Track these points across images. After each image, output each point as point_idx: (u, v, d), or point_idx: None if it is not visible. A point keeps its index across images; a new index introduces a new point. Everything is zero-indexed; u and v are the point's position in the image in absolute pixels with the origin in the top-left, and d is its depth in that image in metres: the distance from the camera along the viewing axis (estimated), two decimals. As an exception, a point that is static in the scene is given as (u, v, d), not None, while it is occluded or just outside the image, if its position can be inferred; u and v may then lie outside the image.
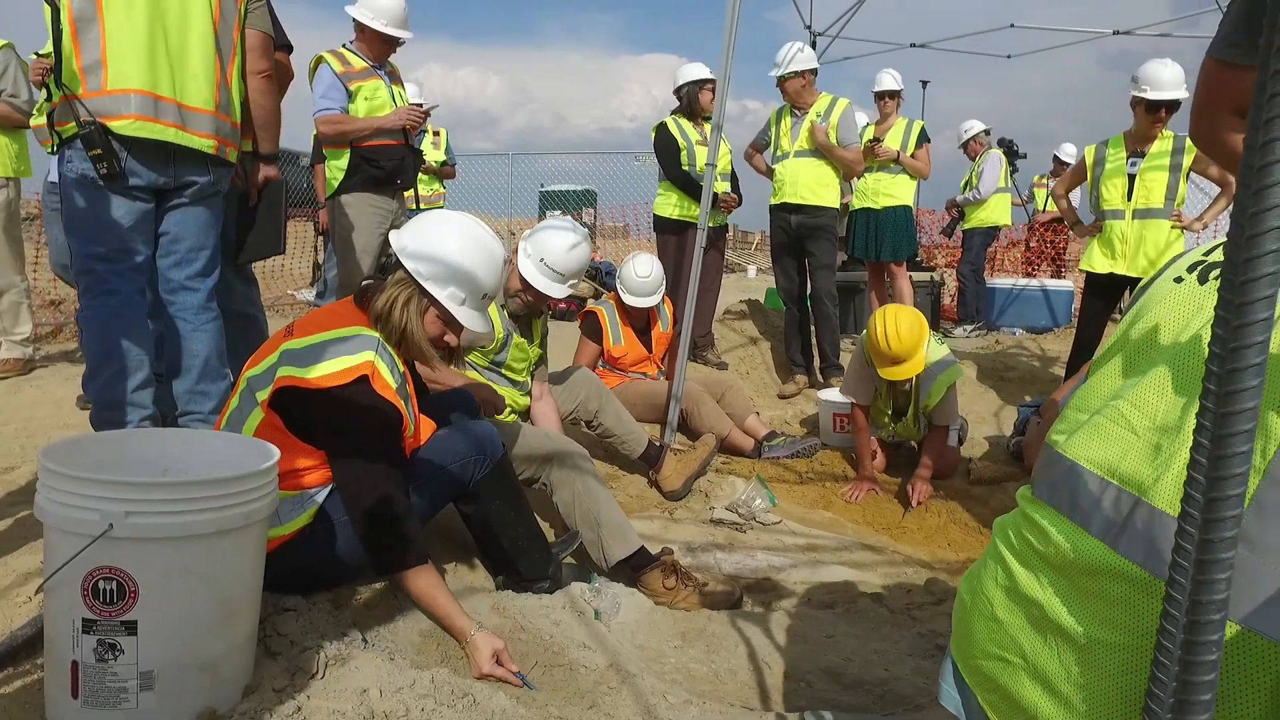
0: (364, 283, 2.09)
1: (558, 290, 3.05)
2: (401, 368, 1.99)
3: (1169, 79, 4.37)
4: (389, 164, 4.18)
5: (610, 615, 2.30)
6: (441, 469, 2.04)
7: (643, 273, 4.71)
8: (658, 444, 3.70)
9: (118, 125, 2.47)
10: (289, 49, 3.21)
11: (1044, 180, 8.46)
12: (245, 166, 2.99)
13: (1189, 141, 4.39)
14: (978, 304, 7.91)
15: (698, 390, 4.28)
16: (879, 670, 2.08)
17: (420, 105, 4.36)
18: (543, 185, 14.98)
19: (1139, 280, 4.60)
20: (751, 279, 16.25)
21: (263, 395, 1.86)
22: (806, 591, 2.68)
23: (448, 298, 2.01)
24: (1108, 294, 4.81)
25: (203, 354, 2.78)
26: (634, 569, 2.62)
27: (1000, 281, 8.35)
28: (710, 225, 4.48)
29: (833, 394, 4.72)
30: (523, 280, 3.02)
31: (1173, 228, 4.51)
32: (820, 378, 5.49)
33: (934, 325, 7.80)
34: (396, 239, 2.04)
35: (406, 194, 4.67)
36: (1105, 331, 4.90)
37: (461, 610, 1.88)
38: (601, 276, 8.80)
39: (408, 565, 1.85)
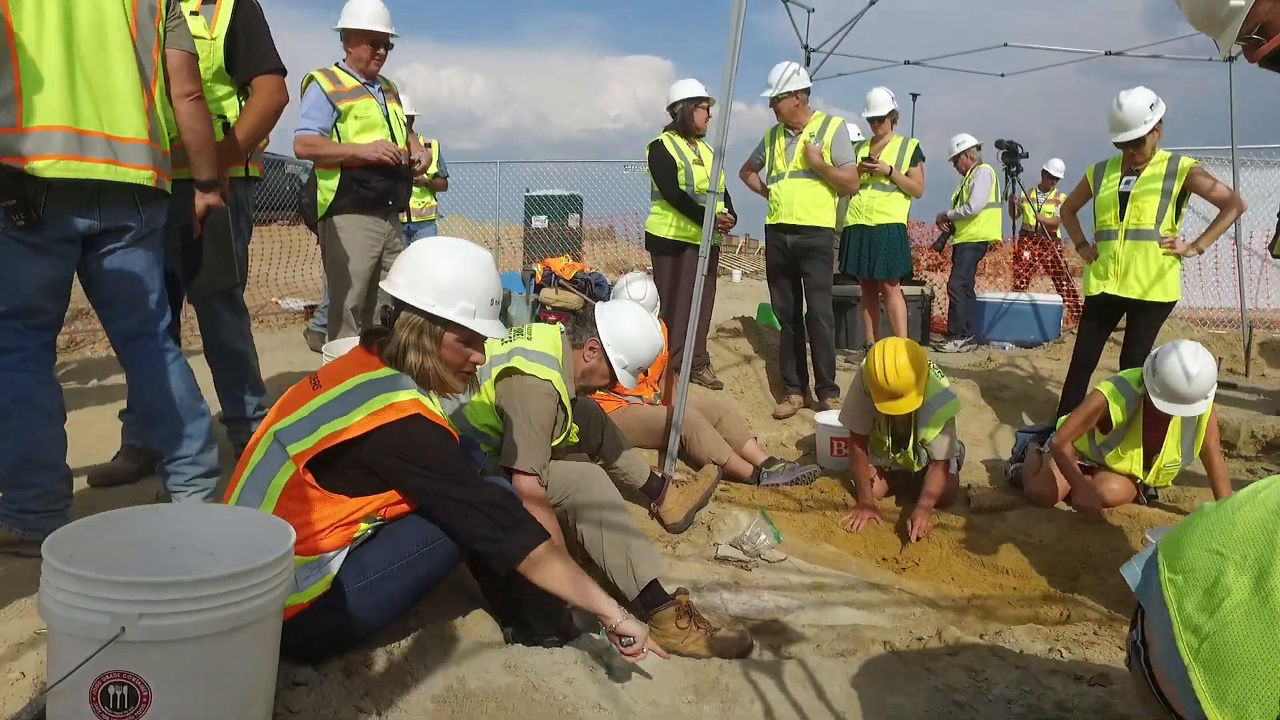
0: (366, 331, 2.06)
1: (634, 380, 3.13)
2: (436, 403, 1.97)
3: (1128, 118, 4.36)
4: (380, 185, 4.11)
5: (624, 670, 2.25)
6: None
7: (636, 294, 4.67)
8: (658, 474, 3.66)
9: (38, 166, 2.19)
10: (282, 72, 3.13)
11: (1034, 195, 8.48)
12: (184, 196, 2.75)
13: (1182, 164, 4.41)
14: (968, 318, 7.93)
15: (697, 417, 4.23)
16: (898, 730, 2.05)
17: (404, 148, 4.24)
18: (528, 190, 14.89)
19: (1132, 301, 4.69)
20: (736, 284, 16.25)
21: (296, 450, 1.82)
22: (816, 636, 2.65)
23: (459, 314, 2.00)
24: (1103, 315, 4.82)
25: (176, 395, 2.64)
26: (647, 605, 2.60)
27: (990, 296, 8.38)
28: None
29: (830, 417, 4.71)
30: (614, 381, 3.05)
31: (1165, 253, 4.50)
32: (816, 398, 5.47)
33: (924, 339, 7.81)
34: (387, 286, 2.03)
35: (407, 205, 4.58)
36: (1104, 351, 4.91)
37: (601, 593, 2.04)
38: (591, 288, 8.74)
39: (535, 543, 1.93)
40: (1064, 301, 8.38)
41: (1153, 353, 3.65)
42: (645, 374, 4.53)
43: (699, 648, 2.55)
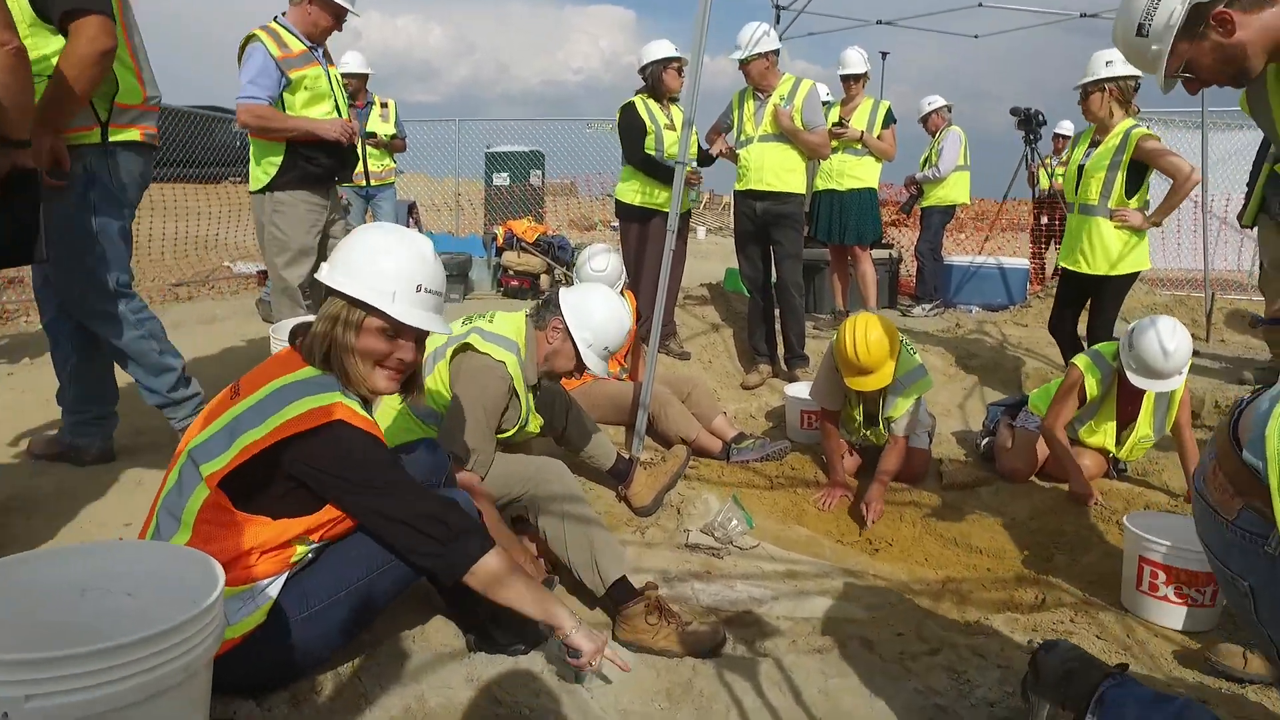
0: (293, 328, 1.88)
1: (605, 366, 2.93)
2: (363, 405, 1.80)
3: (1087, 68, 4.44)
4: (328, 162, 3.87)
5: (592, 677, 2.14)
6: None
7: (598, 267, 4.51)
8: (625, 455, 3.54)
9: None
10: (104, 13, 2.72)
11: (1048, 160, 8.31)
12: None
13: (1132, 134, 4.35)
14: (935, 282, 7.87)
15: (664, 393, 4.11)
16: (879, 738, 1.97)
17: (355, 123, 3.99)
18: (489, 146, 14.49)
19: (1083, 275, 4.67)
20: (701, 240, 16.08)
21: (210, 469, 1.64)
22: (791, 630, 2.57)
23: (376, 296, 1.79)
24: (1066, 288, 4.84)
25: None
26: (616, 601, 2.50)
27: (957, 260, 8.33)
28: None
29: (800, 389, 4.62)
30: (581, 366, 2.86)
31: (1116, 227, 4.47)
32: (785, 368, 5.38)
33: (891, 303, 7.76)
34: (324, 275, 1.84)
35: (355, 174, 4.34)
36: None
37: (553, 602, 1.94)
38: (554, 251, 8.54)
39: (480, 554, 1.80)
40: (1030, 265, 8.37)
41: (1130, 327, 3.60)
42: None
43: (670, 644, 2.46)
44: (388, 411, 2.69)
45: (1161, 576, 2.65)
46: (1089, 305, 4.79)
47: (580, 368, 2.85)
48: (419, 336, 1.90)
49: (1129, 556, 2.78)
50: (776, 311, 5.43)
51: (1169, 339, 3.41)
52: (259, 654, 1.64)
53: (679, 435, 4.04)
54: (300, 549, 1.72)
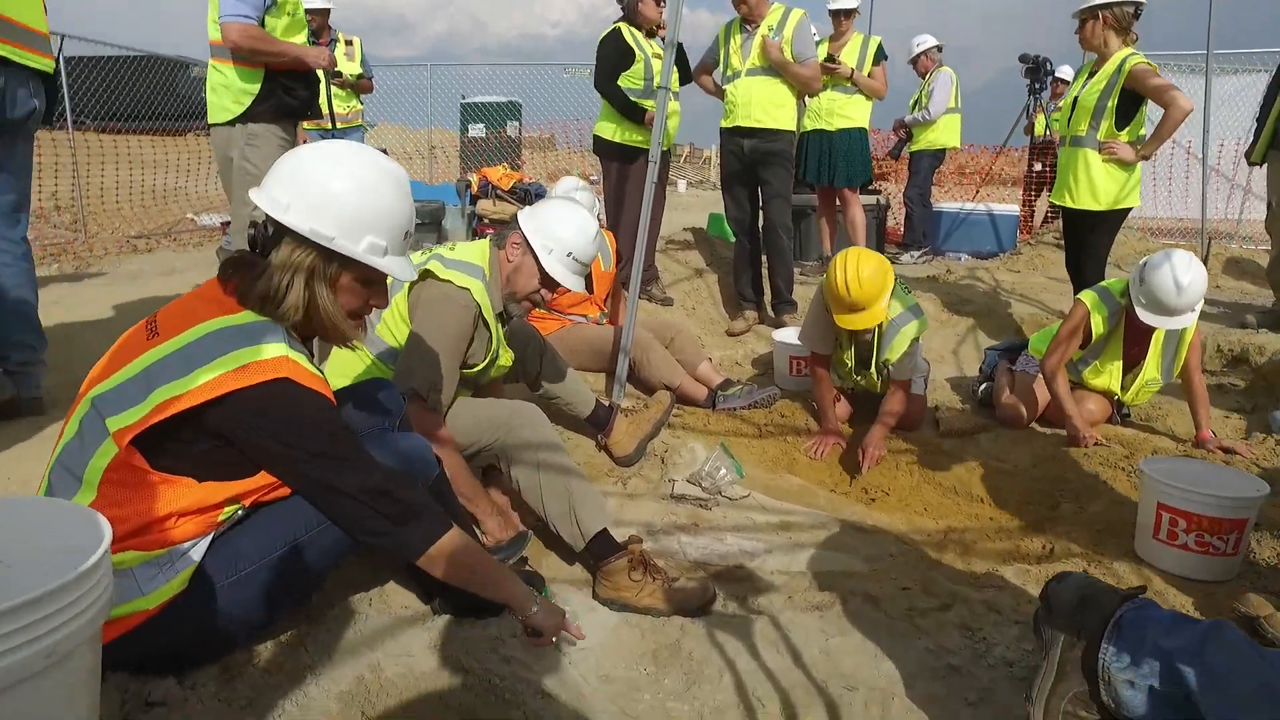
0: (226, 261, 1.59)
1: (581, 282, 2.59)
2: (316, 366, 1.55)
3: None
4: (304, 95, 3.59)
5: (569, 638, 1.93)
6: None
7: (564, 190, 4.27)
8: (605, 403, 3.31)
9: None
10: None
11: (1046, 105, 8.03)
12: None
13: (1126, 64, 4.12)
14: (924, 229, 7.65)
15: (647, 338, 3.88)
16: (890, 702, 1.78)
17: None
18: (464, 97, 14.03)
19: (1070, 210, 4.52)
20: (682, 194, 15.75)
21: (119, 424, 1.38)
22: (786, 585, 2.37)
23: (368, 251, 1.56)
24: (1063, 223, 4.71)
25: None
26: (596, 557, 2.29)
27: (947, 206, 8.10)
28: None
29: (788, 335, 4.41)
30: (548, 280, 2.52)
31: (1105, 160, 4.28)
32: (772, 314, 5.15)
33: (878, 250, 7.52)
34: (266, 202, 1.53)
35: (323, 114, 4.04)
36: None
37: (511, 582, 1.77)
38: (531, 198, 8.22)
39: (435, 536, 1.57)
40: (1020, 211, 8.16)
41: (1142, 261, 3.40)
42: (591, 293, 4.14)
43: (656, 601, 2.26)
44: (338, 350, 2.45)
45: (1181, 524, 2.47)
46: (1079, 244, 4.63)
47: (548, 283, 2.53)
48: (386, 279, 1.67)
49: (1145, 503, 2.60)
50: (763, 256, 5.19)
51: (1184, 273, 3.21)
52: (181, 626, 1.40)
53: (662, 382, 3.82)
54: (229, 509, 1.48)
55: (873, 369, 3.64)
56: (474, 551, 1.67)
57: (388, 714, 1.55)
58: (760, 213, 5.09)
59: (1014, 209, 8.10)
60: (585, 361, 3.99)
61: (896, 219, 8.71)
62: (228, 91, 3.48)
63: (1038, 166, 8.64)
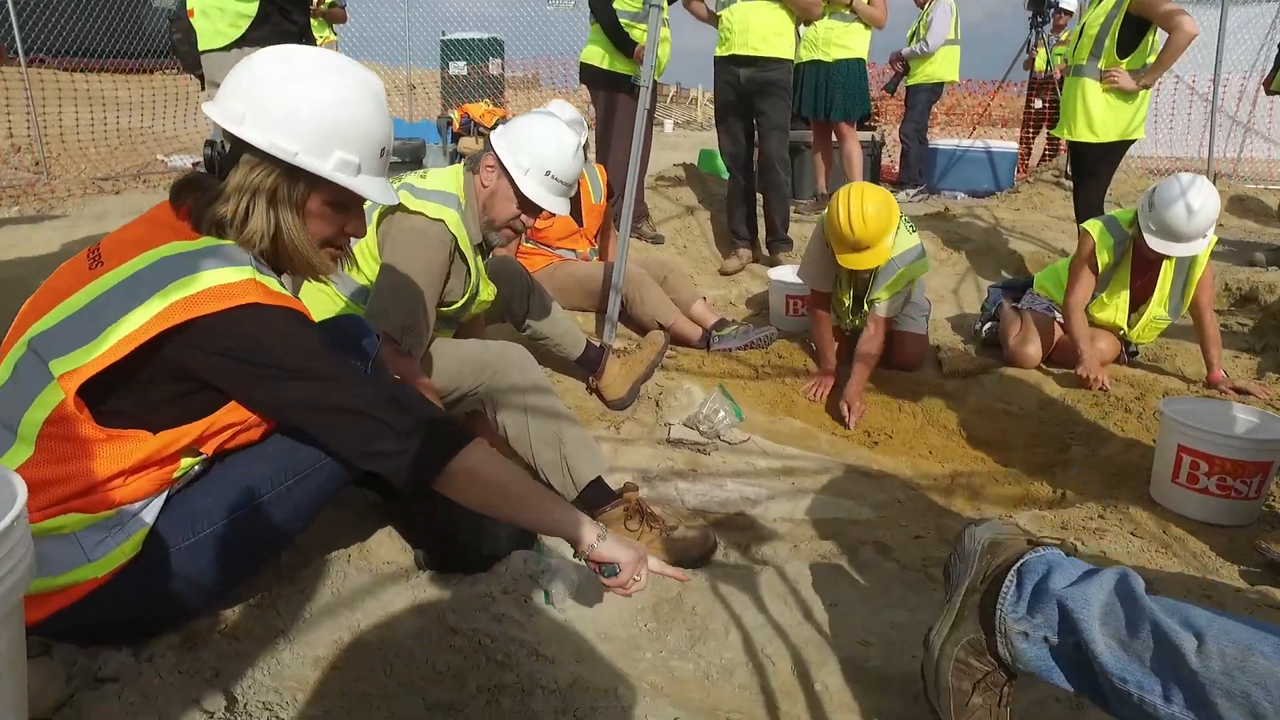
0: (178, 182, 1.39)
1: (565, 204, 2.33)
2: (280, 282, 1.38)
3: None
4: (301, 20, 3.37)
5: (563, 594, 1.81)
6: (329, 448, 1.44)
7: (549, 110, 4.03)
8: (596, 343, 3.15)
9: None
10: None
11: (1047, 38, 7.74)
12: None
13: None
14: (920, 166, 7.44)
15: (639, 274, 3.71)
16: (905, 658, 1.67)
17: None
18: (444, 33, 13.54)
19: (1071, 143, 4.36)
20: (669, 134, 15.38)
21: (66, 367, 1.20)
22: (791, 533, 2.25)
23: (337, 168, 1.37)
24: (1072, 160, 4.56)
25: None
26: (589, 506, 2.16)
27: (943, 143, 7.87)
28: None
29: (785, 273, 4.25)
30: (526, 204, 2.26)
31: (1105, 90, 4.12)
32: (767, 252, 4.98)
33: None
34: (221, 116, 1.33)
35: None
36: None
37: (561, 505, 1.52)
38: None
39: (454, 447, 1.38)
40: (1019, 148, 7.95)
41: (1152, 187, 3.25)
42: (581, 225, 3.95)
43: (653, 552, 2.14)
44: (308, 287, 2.26)
45: (1203, 467, 2.36)
46: (1077, 178, 4.50)
47: (527, 207, 2.27)
48: (363, 204, 1.48)
49: (1164, 446, 2.49)
50: (758, 192, 4.99)
51: (1195, 196, 3.07)
52: (133, 595, 1.24)
53: (655, 321, 3.66)
54: (186, 462, 1.31)
55: (866, 308, 3.49)
56: (507, 468, 1.44)
57: (369, 680, 1.42)
58: (756, 147, 4.87)
59: (1012, 146, 7.89)
60: (574, 300, 3.82)
61: (891, 157, 8.49)
62: (222, 15, 3.23)
63: (1037, 104, 8.40)
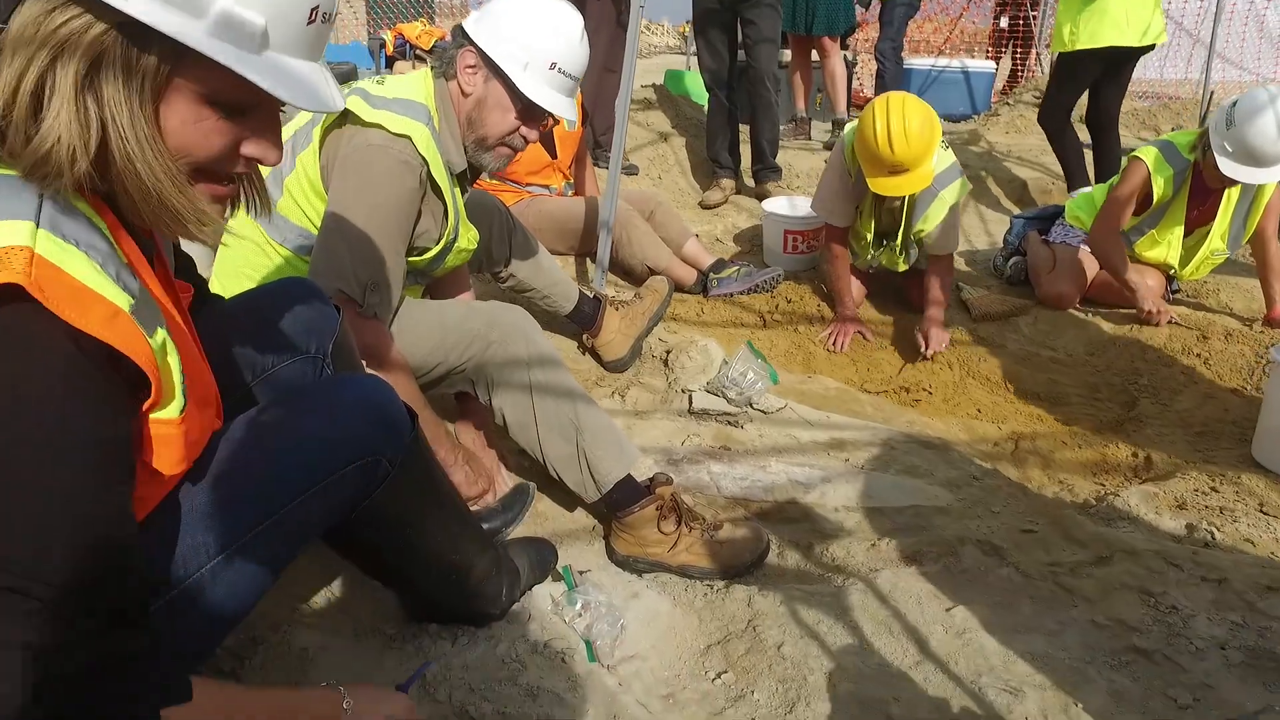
0: None
1: (573, 107, 1.74)
2: (124, 258, 0.78)
3: None
4: None
5: (610, 643, 1.35)
6: (279, 507, 0.93)
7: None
8: (590, 295, 2.64)
9: None
10: None
11: None
12: None
13: None
14: (896, 88, 6.94)
15: (626, 211, 3.18)
16: (1062, 704, 1.26)
17: None
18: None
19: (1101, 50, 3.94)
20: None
21: None
22: (861, 528, 1.83)
23: (220, 30, 0.74)
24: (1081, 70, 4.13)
25: None
26: (614, 507, 1.69)
27: (918, 62, 7.39)
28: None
29: (781, 205, 3.78)
30: (529, 110, 1.68)
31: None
32: (753, 182, 4.48)
33: (847, 111, 6.84)
34: None
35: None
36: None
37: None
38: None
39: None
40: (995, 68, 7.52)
41: (1230, 101, 2.83)
42: (554, 158, 3.38)
43: (695, 558, 1.70)
44: (232, 240, 1.70)
45: (1332, 426, 2.00)
46: (1093, 91, 4.10)
47: (530, 114, 1.69)
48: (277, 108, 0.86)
49: (1278, 399, 2.12)
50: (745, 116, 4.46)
51: None
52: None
53: (645, 264, 3.15)
54: None
55: (899, 242, 3.05)
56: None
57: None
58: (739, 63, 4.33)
59: (990, 66, 7.45)
60: (550, 242, 3.24)
61: (861, 80, 7.98)
62: None
63: (1003, 22, 7.99)
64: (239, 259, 1.70)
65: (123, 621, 0.70)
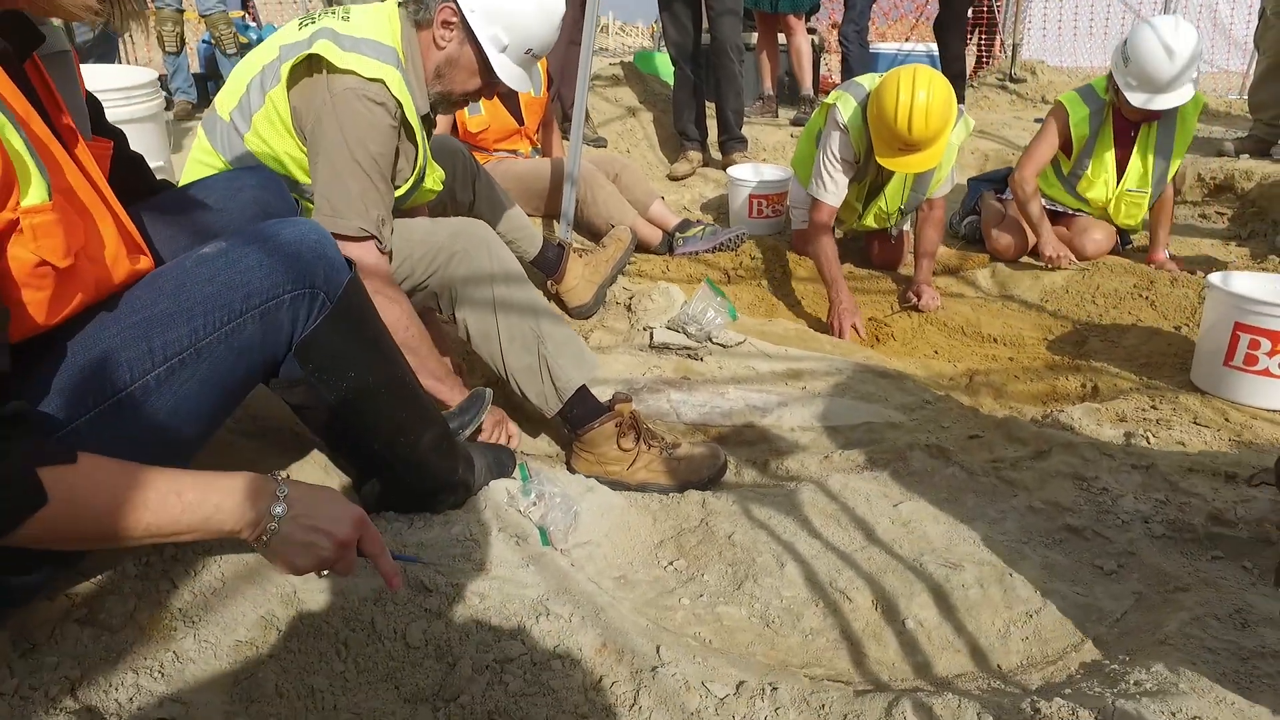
0: None
1: (537, 76, 1.86)
2: None
3: None
4: None
5: (565, 530, 1.39)
6: (217, 326, 0.96)
7: None
8: (555, 243, 2.69)
9: None
10: None
11: None
12: None
13: None
14: (861, 72, 7.04)
15: (591, 171, 3.23)
16: (1002, 578, 1.32)
17: None
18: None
19: None
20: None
21: None
22: (816, 443, 1.89)
23: None
24: None
25: None
26: (573, 424, 1.75)
27: (885, 46, 7.50)
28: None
29: (745, 171, 3.84)
30: (492, 83, 1.77)
31: None
32: (720, 153, 4.54)
33: (814, 96, 6.92)
34: None
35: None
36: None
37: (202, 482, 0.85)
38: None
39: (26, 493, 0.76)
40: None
41: (1123, 39, 2.97)
42: (522, 125, 3.43)
43: (654, 475, 1.75)
44: (197, 165, 1.74)
45: (1265, 345, 2.08)
46: None
47: (491, 86, 1.78)
48: None
49: (1215, 324, 2.20)
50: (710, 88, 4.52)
51: (1171, 35, 2.83)
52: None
53: (610, 223, 3.19)
54: None
55: (885, 200, 3.03)
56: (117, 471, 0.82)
57: (318, 668, 0.98)
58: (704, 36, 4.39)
59: (954, 48, 7.56)
60: (517, 202, 3.32)
61: (828, 65, 8.08)
62: None
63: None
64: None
65: None
